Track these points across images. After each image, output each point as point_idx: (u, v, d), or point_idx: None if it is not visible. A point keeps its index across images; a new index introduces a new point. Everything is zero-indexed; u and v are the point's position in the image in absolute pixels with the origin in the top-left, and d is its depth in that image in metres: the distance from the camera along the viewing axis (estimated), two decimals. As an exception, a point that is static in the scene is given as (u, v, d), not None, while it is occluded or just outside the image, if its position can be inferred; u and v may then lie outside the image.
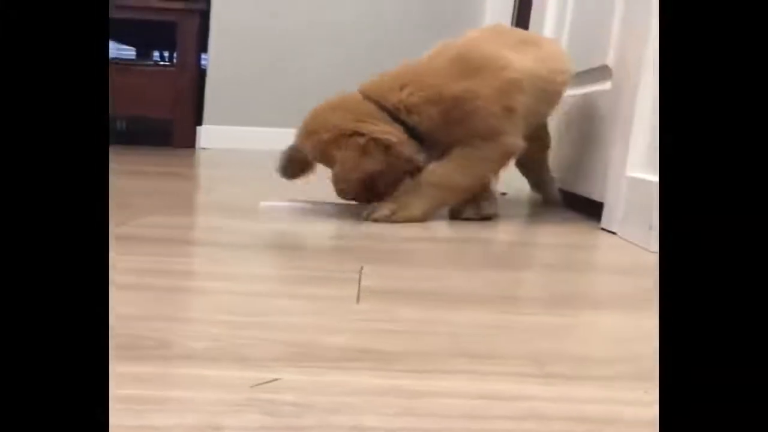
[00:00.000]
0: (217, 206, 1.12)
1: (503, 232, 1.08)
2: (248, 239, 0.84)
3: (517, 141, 1.05)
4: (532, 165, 1.38)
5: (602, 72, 1.21)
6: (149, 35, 2.88)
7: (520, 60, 1.04)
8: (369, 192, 1.06)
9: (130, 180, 1.43)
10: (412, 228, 0.98)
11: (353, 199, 1.08)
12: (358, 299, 0.57)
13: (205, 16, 2.54)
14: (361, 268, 0.68)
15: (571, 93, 1.39)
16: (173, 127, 2.52)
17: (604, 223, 1.07)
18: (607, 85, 1.17)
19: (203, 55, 2.62)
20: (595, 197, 1.15)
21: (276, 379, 0.40)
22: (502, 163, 1.08)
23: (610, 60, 1.17)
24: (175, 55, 2.59)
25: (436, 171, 1.03)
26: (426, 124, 1.01)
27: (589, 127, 1.24)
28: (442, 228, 1.03)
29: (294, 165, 1.10)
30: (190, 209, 1.13)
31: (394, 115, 1.01)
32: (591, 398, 0.40)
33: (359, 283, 0.62)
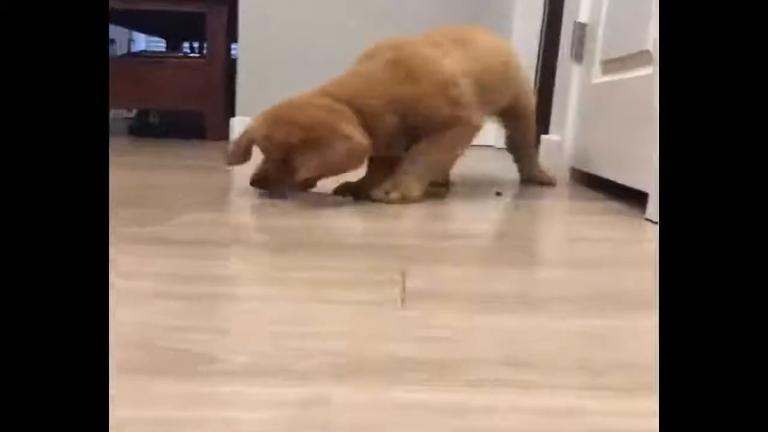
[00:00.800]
0: (250, 202, 1.11)
1: (545, 226, 1.06)
2: (282, 239, 0.83)
3: (478, 120, 1.18)
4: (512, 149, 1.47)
5: (642, 57, 1.17)
6: (179, 27, 2.88)
7: (451, 60, 1.16)
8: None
9: (162, 175, 1.44)
10: (444, 223, 0.96)
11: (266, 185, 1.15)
12: (402, 303, 0.56)
13: (234, 6, 2.53)
14: (404, 271, 0.67)
15: (609, 79, 1.35)
16: (205, 119, 2.52)
17: (648, 214, 1.04)
18: (648, 71, 1.14)
19: (233, 46, 2.61)
20: (639, 187, 1.12)
21: (325, 396, 0.39)
22: (470, 140, 1.19)
23: (650, 45, 1.13)
24: (205, 46, 2.58)
25: (419, 152, 1.12)
26: (388, 126, 1.10)
27: (631, 114, 1.20)
28: (474, 224, 1.01)
29: (243, 152, 1.19)
30: (224, 206, 1.13)
31: (362, 118, 1.09)
32: (652, 411, 0.39)
33: (403, 286, 0.61)
